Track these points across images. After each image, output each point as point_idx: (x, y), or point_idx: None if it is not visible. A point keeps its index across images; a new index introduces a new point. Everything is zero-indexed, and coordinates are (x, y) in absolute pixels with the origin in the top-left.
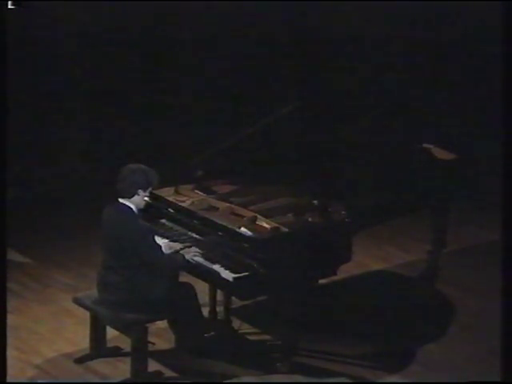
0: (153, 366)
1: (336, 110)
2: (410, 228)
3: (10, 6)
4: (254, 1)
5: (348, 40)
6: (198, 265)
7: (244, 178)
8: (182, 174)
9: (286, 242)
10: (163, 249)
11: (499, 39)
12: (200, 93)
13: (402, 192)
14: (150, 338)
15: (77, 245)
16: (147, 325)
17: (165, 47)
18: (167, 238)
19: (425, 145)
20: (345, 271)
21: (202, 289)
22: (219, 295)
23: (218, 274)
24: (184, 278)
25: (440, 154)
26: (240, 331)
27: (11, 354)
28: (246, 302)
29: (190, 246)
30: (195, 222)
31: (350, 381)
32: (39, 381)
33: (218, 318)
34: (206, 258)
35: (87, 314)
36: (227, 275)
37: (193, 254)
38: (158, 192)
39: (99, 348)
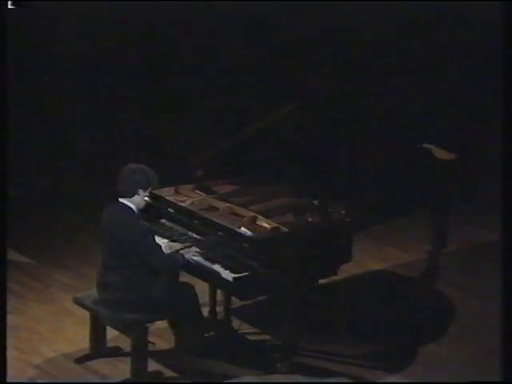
0: (153, 365)
1: (336, 110)
2: (410, 228)
3: (9, 6)
4: (254, 1)
5: (348, 40)
6: (198, 265)
7: (244, 178)
8: (182, 174)
9: (285, 242)
10: (163, 249)
11: (499, 39)
12: (200, 93)
13: (402, 192)
14: (150, 338)
15: (77, 245)
16: (147, 325)
17: (165, 47)
18: (167, 238)
19: (425, 145)
20: (345, 271)
21: (202, 289)
22: (219, 295)
23: (218, 274)
24: (184, 277)
25: (440, 154)
26: (240, 331)
27: (11, 354)
28: (245, 302)
29: (190, 246)
30: (195, 222)
31: (350, 381)
32: (39, 381)
33: (218, 318)
34: (206, 258)
35: (87, 314)
36: (227, 275)
37: (193, 254)
38: (158, 192)
39: (99, 348)
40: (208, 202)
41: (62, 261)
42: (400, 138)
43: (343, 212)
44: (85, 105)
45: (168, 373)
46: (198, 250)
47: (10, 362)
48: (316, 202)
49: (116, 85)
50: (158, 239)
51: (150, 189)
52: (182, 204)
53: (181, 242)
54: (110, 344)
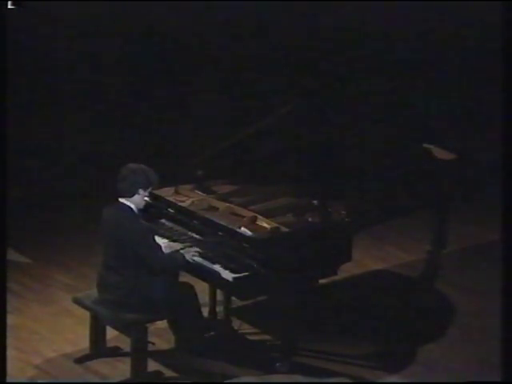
0: (153, 365)
1: (336, 110)
2: (410, 228)
3: (9, 6)
4: (254, 1)
5: (348, 40)
6: (198, 265)
7: (244, 178)
8: (182, 173)
9: (285, 242)
10: (163, 249)
11: (499, 39)
12: (200, 93)
13: (402, 192)
14: (150, 338)
15: (77, 245)
16: (147, 325)
17: (165, 47)
18: (167, 238)
19: (425, 145)
20: (345, 271)
21: (202, 289)
22: (219, 295)
23: (218, 273)
24: (184, 277)
25: (440, 154)
26: (240, 331)
27: (11, 354)
28: (245, 302)
29: (190, 246)
30: (195, 222)
31: (350, 381)
32: (39, 381)
33: (218, 318)
34: (206, 258)
35: (87, 314)
36: (227, 275)
37: (193, 254)
38: (158, 192)
39: (99, 348)
40: (208, 202)
41: (62, 261)
42: (400, 137)
43: (343, 212)
44: (85, 105)
45: (168, 373)
46: (197, 249)
47: (10, 362)
48: (316, 202)
49: (116, 85)
50: (158, 239)
51: (150, 189)
52: (182, 204)
53: (181, 242)
54: (110, 344)
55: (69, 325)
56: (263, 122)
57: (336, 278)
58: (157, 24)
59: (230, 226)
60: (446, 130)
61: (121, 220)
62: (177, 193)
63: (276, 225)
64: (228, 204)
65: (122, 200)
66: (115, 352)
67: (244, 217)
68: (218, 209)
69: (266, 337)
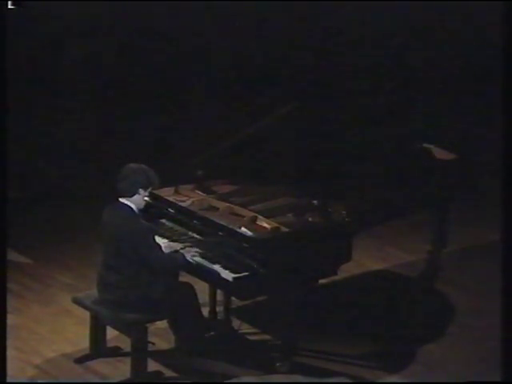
0: (153, 366)
1: (336, 110)
2: (410, 228)
3: (10, 6)
4: (254, 1)
5: (348, 40)
6: (198, 265)
7: (244, 178)
8: (182, 173)
9: (285, 242)
10: (163, 249)
11: (500, 38)
12: (200, 93)
13: (402, 192)
14: (150, 338)
15: (77, 245)
16: (147, 325)
17: (165, 47)
18: (167, 238)
19: (425, 145)
20: (345, 271)
21: (202, 289)
22: (219, 295)
23: (217, 273)
24: (184, 278)
25: (440, 154)
26: (240, 331)
27: (11, 354)
28: (245, 302)
29: (190, 246)
30: (195, 222)
31: (350, 381)
32: (39, 381)
33: (218, 318)
34: (206, 258)
35: (87, 314)
36: (227, 275)
37: (193, 254)
38: (158, 192)
39: (99, 348)
40: (208, 202)
41: (62, 261)
42: (400, 137)
43: (343, 212)
44: (85, 104)
45: (168, 373)
46: (197, 250)
47: (9, 362)
48: (316, 202)
49: (116, 85)
50: (158, 239)
51: (150, 189)
52: (182, 204)
53: (181, 242)
54: (110, 344)
55: (69, 325)
56: (263, 122)
57: (336, 277)
58: (157, 24)
59: (230, 226)
60: (446, 130)
61: (121, 220)
62: (177, 193)
63: (276, 225)
64: (228, 204)
65: (122, 200)
66: (115, 352)
67: (244, 217)
68: (218, 209)
69: (266, 337)
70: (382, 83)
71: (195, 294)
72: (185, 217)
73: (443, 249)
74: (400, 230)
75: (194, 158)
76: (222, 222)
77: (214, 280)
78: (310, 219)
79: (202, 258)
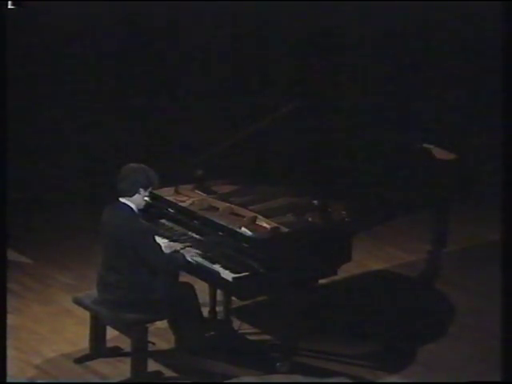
0: (153, 366)
1: (336, 110)
2: (410, 228)
3: (10, 6)
4: (254, 1)
5: (348, 39)
6: (198, 265)
7: (244, 178)
8: (182, 173)
9: (285, 242)
10: (163, 249)
11: (500, 38)
12: (200, 93)
13: (402, 192)
14: (150, 338)
15: (77, 245)
16: (147, 325)
17: (165, 47)
18: (167, 238)
19: (425, 145)
20: (345, 271)
21: (202, 289)
22: (219, 295)
23: (217, 273)
24: (184, 278)
25: (440, 154)
26: (240, 331)
27: (11, 354)
28: (245, 302)
29: (190, 246)
30: (195, 222)
31: (350, 381)
32: (39, 381)
33: (218, 318)
34: (206, 258)
35: (87, 314)
36: (227, 275)
37: (193, 254)
38: (158, 192)
39: (99, 348)
40: (208, 202)
41: (62, 261)
42: (400, 137)
43: (343, 212)
44: (85, 104)
45: (168, 373)
46: (197, 250)
47: (10, 362)
48: (316, 202)
49: (116, 85)
50: (158, 239)
51: (150, 188)
52: (182, 204)
53: (181, 242)
54: (109, 344)
55: (69, 325)
56: (263, 121)
57: (336, 277)
58: (157, 24)
59: (230, 226)
60: (446, 129)
61: (121, 220)
62: (177, 193)
63: (276, 225)
64: (228, 204)
65: (122, 200)
66: (115, 352)
67: (244, 217)
68: (218, 209)
69: (266, 337)
70: (383, 83)
71: (195, 294)
72: (185, 217)
73: (443, 249)
74: (400, 230)
75: (194, 157)
76: (221, 222)
77: (214, 280)
78: (309, 219)
79: (202, 258)
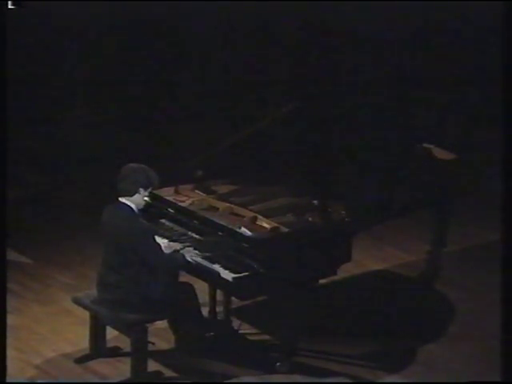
0: (153, 366)
1: (336, 110)
2: (410, 228)
3: (10, 6)
4: (254, 1)
5: (348, 39)
6: (198, 265)
7: (244, 178)
8: (182, 173)
9: (286, 242)
10: (163, 249)
11: (500, 38)
12: (200, 93)
13: (402, 192)
14: (150, 338)
15: (77, 245)
16: (147, 325)
17: (165, 47)
18: (167, 238)
19: (425, 145)
20: (345, 271)
21: (202, 289)
22: (219, 295)
23: (217, 273)
24: (184, 278)
25: (440, 154)
26: (240, 331)
27: (11, 354)
28: (245, 302)
29: (190, 246)
30: (195, 222)
31: (350, 381)
32: (39, 381)
33: (218, 318)
34: (206, 258)
35: (87, 314)
36: (227, 275)
37: (192, 254)
38: (158, 192)
39: (99, 348)
40: (208, 202)
41: (62, 261)
42: (400, 137)
43: (343, 212)
44: (85, 104)
45: (168, 373)
46: (197, 250)
47: (10, 362)
48: (316, 202)
49: (116, 85)
50: (158, 239)
51: (150, 188)
52: (182, 204)
53: (181, 242)
54: (109, 344)
55: (69, 325)
56: (263, 122)
57: (336, 277)
58: (157, 24)
59: (230, 226)
60: (446, 129)
61: (121, 219)
62: (177, 193)
63: (276, 225)
64: (228, 204)
65: (122, 199)
66: (115, 352)
67: (244, 217)
68: (218, 209)
69: (266, 337)
70: (383, 83)
71: (195, 294)
72: (185, 217)
73: (443, 249)
74: (400, 230)
75: (194, 157)
76: (221, 222)
77: (213, 280)
78: (310, 219)
79: (202, 258)
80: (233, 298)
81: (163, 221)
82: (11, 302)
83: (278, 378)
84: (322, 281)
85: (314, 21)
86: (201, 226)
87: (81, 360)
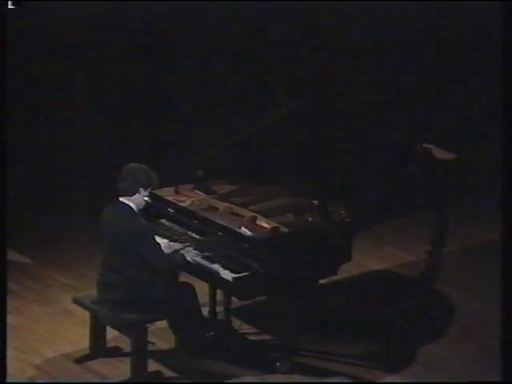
0: (153, 366)
1: (336, 110)
2: (410, 228)
3: (10, 6)
4: (254, 1)
5: (348, 40)
6: (198, 265)
7: (244, 178)
8: (182, 173)
9: (286, 242)
10: (163, 249)
11: (500, 38)
12: (200, 93)
13: (402, 192)
14: (150, 338)
15: (77, 245)
16: (147, 325)
17: (165, 47)
18: (167, 238)
19: (425, 145)
20: (345, 271)
21: (202, 289)
22: (219, 295)
23: (217, 273)
24: (184, 278)
25: (440, 154)
26: (240, 331)
27: (11, 354)
28: (245, 302)
29: (190, 246)
30: (195, 222)
31: (350, 381)
32: (39, 381)
33: (218, 318)
34: (206, 258)
35: (87, 314)
36: (227, 275)
37: (192, 254)
38: (158, 192)
39: (99, 348)
40: (208, 202)
41: (62, 261)
42: (400, 137)
43: (343, 212)
44: (85, 105)
45: (168, 373)
46: (197, 250)
47: (10, 362)
48: (316, 202)
49: (116, 85)
50: (158, 239)
51: (150, 188)
52: (182, 204)
53: (181, 242)
54: (109, 344)
55: (69, 325)
56: (263, 121)
57: (336, 277)
58: (158, 24)
59: (230, 226)
60: (446, 129)
61: (121, 219)
62: (177, 193)
63: (276, 225)
64: (228, 204)
65: (122, 199)
66: (115, 352)
67: (244, 217)
68: (218, 209)
69: (266, 337)
70: (383, 84)
71: (195, 294)
72: (185, 217)
73: (443, 249)
74: (400, 230)
75: (194, 157)
76: (221, 222)
77: (213, 280)
78: (309, 219)
79: (202, 258)
80: (233, 298)
81: (163, 221)
82: (11, 302)
83: (278, 377)
84: (322, 281)
85: (314, 21)
86: (201, 226)
87: (81, 360)
